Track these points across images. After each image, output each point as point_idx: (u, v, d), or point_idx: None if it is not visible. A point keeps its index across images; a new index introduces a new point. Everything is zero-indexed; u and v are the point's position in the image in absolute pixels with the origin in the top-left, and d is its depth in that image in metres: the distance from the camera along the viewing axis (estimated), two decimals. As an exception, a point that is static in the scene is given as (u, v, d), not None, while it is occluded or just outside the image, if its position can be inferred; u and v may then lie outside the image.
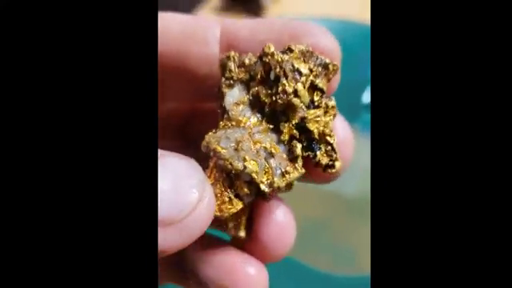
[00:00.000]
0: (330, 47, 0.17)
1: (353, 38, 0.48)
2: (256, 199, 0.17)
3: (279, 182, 0.16)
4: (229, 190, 0.16)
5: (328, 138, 0.17)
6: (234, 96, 0.17)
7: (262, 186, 0.16)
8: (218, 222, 0.17)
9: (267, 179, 0.16)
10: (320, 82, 0.16)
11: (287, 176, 0.16)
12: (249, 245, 0.19)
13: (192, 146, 0.22)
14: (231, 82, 0.17)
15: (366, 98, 0.47)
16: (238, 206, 0.17)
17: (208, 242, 0.20)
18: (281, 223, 0.18)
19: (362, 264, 0.36)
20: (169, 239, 0.14)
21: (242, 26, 0.18)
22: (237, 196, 0.16)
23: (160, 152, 0.15)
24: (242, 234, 0.18)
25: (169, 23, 0.18)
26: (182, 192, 0.14)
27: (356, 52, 0.47)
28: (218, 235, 0.20)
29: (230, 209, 0.16)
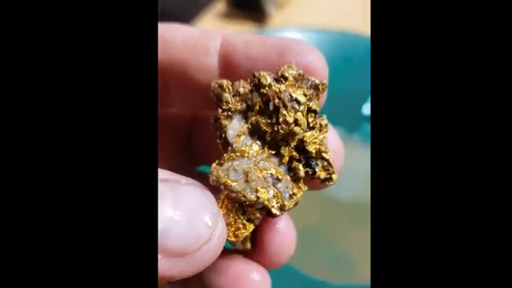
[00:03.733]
0: (318, 65, 0.18)
1: (354, 49, 0.49)
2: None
3: (288, 204, 0.17)
4: (242, 217, 0.17)
5: (324, 154, 0.18)
6: (235, 128, 0.18)
7: (274, 210, 0.17)
8: None
9: (277, 203, 0.17)
10: (313, 105, 0.17)
11: (294, 197, 0.17)
12: (252, 253, 0.19)
13: (194, 154, 0.22)
14: (229, 113, 0.18)
15: (367, 109, 0.48)
16: (251, 228, 0.17)
17: None
18: (282, 232, 0.19)
19: (360, 272, 0.35)
20: (178, 269, 0.14)
21: (239, 39, 0.18)
22: (248, 220, 0.17)
23: (172, 176, 0.15)
24: (249, 246, 0.19)
25: (174, 34, 0.19)
26: (196, 225, 0.14)
27: (357, 63, 0.47)
28: None
29: (244, 233, 0.17)
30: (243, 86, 0.17)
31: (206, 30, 0.19)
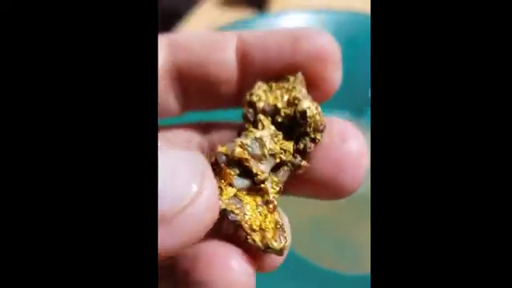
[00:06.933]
0: (330, 49, 0.18)
1: (358, 30, 0.47)
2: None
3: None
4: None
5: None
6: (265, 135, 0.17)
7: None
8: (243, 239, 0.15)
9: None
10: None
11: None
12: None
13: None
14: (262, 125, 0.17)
15: (372, 92, 0.47)
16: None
17: None
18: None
19: (367, 262, 0.35)
20: (158, 240, 0.12)
21: (252, 33, 0.19)
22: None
23: (164, 146, 0.14)
24: (282, 243, 0.16)
25: (189, 38, 0.19)
26: (176, 184, 0.13)
27: (362, 45, 0.46)
28: None
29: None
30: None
31: (220, 32, 0.20)
